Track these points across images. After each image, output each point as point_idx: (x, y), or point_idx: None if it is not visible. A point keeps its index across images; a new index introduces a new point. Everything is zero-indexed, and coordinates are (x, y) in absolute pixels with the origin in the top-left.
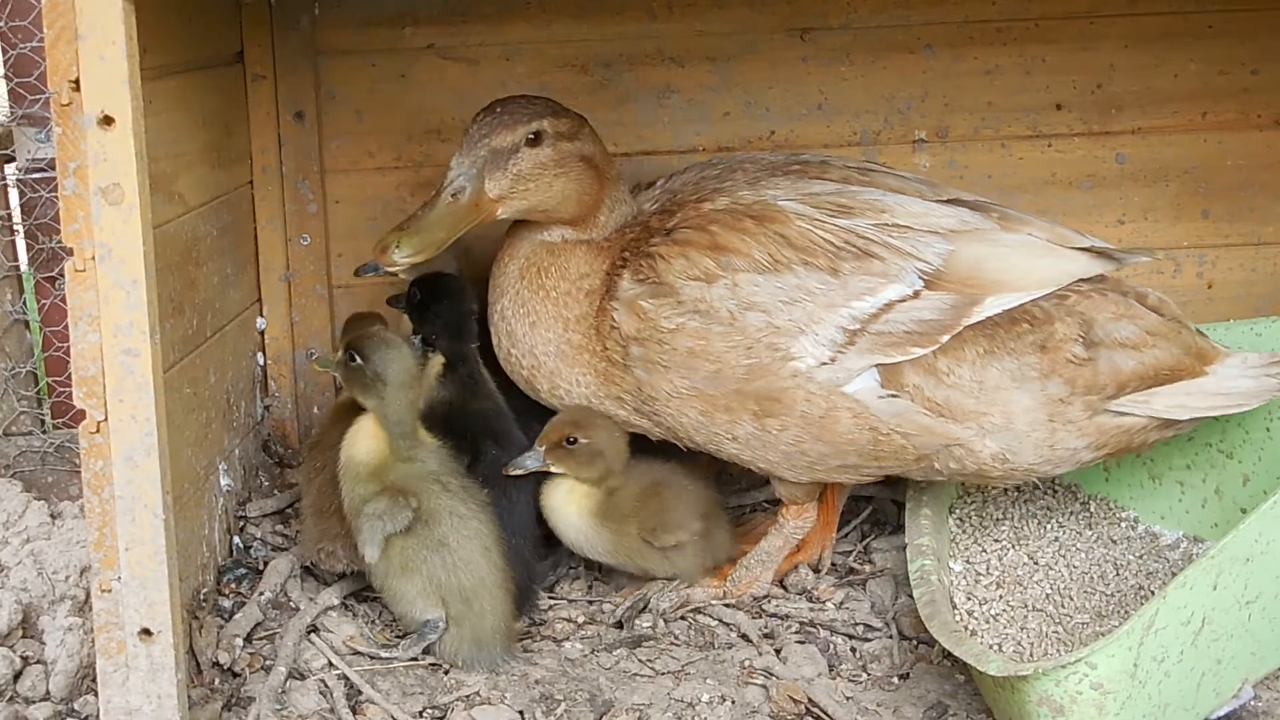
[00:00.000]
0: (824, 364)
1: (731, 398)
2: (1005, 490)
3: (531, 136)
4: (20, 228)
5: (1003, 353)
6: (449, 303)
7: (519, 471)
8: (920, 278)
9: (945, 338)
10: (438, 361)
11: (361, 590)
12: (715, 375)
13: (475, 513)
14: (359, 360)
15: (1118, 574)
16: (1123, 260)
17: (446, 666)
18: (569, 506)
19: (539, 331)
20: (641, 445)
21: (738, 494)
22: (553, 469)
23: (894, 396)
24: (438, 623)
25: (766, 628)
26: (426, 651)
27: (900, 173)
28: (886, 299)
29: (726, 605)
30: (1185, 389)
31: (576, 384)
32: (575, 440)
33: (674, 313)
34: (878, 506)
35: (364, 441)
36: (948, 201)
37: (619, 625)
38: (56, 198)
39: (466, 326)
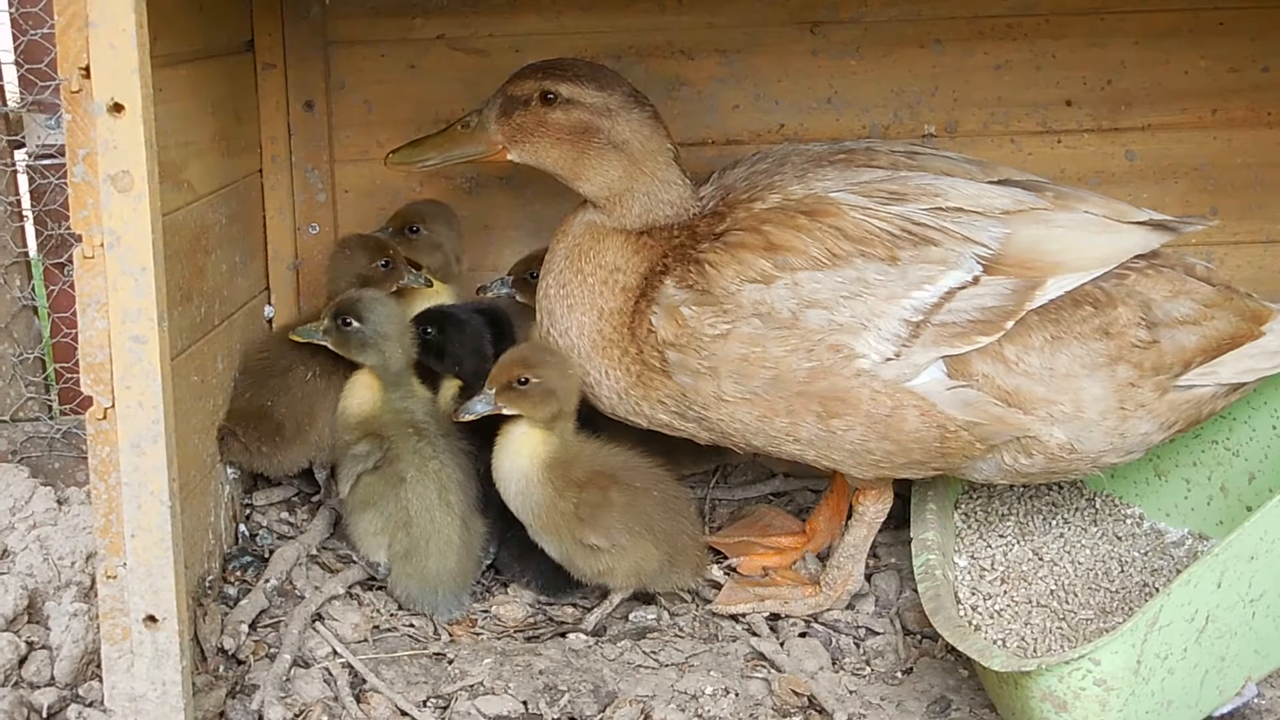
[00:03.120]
0: (889, 360)
1: (793, 400)
2: (1010, 485)
3: (549, 96)
4: (29, 214)
5: (1070, 338)
6: (465, 335)
7: (469, 417)
8: (979, 263)
9: (1009, 324)
10: (454, 384)
11: (368, 580)
12: (774, 380)
13: (439, 454)
14: (354, 323)
15: (1122, 570)
16: (1180, 229)
17: (450, 656)
18: (522, 448)
19: (575, 315)
20: (653, 438)
21: (743, 487)
22: (505, 410)
23: (964, 387)
24: (377, 565)
25: (770, 620)
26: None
27: (948, 154)
28: (947, 287)
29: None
30: (1248, 353)
31: (606, 375)
32: (526, 380)
33: (718, 319)
34: None
35: (359, 393)
36: (1000, 182)
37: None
38: (66, 184)
39: (484, 351)
